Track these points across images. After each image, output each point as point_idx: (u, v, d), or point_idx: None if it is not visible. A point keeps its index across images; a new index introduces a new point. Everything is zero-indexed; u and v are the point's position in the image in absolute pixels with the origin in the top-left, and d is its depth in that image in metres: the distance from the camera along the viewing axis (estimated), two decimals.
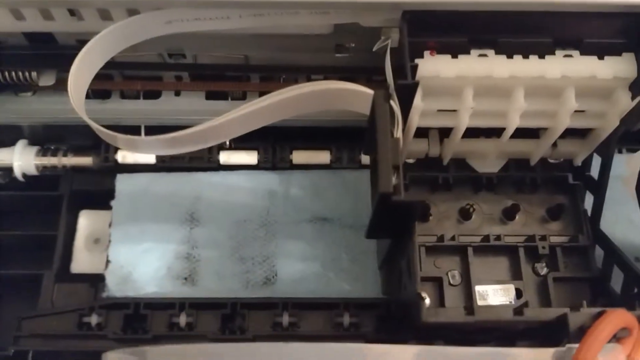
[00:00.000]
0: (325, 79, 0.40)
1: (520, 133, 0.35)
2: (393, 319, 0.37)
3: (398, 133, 0.29)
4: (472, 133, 0.35)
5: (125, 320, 0.37)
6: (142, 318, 0.37)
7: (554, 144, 0.36)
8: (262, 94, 0.40)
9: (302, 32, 0.34)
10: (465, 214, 0.37)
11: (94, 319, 0.37)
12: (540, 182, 0.37)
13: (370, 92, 0.30)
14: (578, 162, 0.37)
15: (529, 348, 0.26)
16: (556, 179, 0.37)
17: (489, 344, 0.28)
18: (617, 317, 0.25)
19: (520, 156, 0.37)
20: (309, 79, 0.40)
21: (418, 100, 0.32)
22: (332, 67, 0.39)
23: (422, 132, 0.36)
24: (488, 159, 0.37)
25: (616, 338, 0.26)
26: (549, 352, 0.25)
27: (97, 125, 0.31)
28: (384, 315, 0.37)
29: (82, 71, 0.31)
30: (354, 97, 0.31)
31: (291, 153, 0.42)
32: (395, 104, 0.30)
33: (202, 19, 0.32)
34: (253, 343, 0.34)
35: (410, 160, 0.38)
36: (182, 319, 0.37)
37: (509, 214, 0.37)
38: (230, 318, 0.38)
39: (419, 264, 0.31)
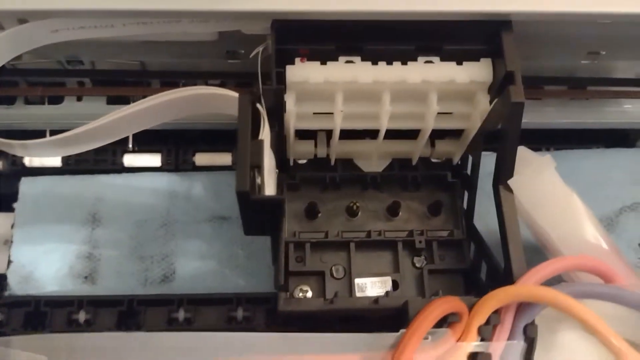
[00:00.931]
0: (222, 84, 0.42)
1: (400, 134, 0.37)
2: None
3: (262, 135, 0.31)
4: (355, 134, 0.38)
5: (26, 317, 0.39)
6: (42, 315, 0.39)
7: (433, 144, 0.39)
8: None
9: (188, 39, 0.36)
10: (351, 212, 0.39)
11: None
12: (421, 181, 0.40)
13: (236, 95, 0.32)
14: (456, 160, 0.39)
15: (367, 333, 0.27)
16: (437, 178, 0.40)
17: None
18: (444, 303, 0.27)
19: (402, 156, 0.39)
20: (206, 84, 0.42)
21: (291, 105, 0.34)
22: (227, 72, 0.41)
23: (310, 134, 0.38)
24: (372, 159, 0.39)
25: (447, 323, 0.28)
26: (386, 336, 0.27)
27: None
28: (273, 308, 0.39)
29: None
30: (223, 101, 0.33)
31: (194, 155, 0.44)
32: (262, 107, 0.32)
33: (87, 27, 0.34)
34: (113, 333, 0.35)
35: (302, 161, 0.40)
36: (81, 316, 0.39)
37: (392, 211, 0.39)
38: (128, 315, 0.39)
39: (284, 257, 0.33)
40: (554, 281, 0.30)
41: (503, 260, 0.32)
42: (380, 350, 0.27)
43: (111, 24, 0.34)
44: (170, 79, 0.43)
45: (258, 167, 0.30)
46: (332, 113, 0.35)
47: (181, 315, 0.39)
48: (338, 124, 0.35)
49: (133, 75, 0.42)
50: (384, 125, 0.35)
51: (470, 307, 0.28)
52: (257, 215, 0.32)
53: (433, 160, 0.40)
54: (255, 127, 0.31)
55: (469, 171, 0.39)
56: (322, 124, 0.36)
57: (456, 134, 0.38)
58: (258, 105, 0.32)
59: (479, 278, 0.37)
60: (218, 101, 0.33)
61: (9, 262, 0.41)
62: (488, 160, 0.37)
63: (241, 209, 0.31)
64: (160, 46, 0.38)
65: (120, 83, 0.43)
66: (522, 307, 0.28)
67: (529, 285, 0.27)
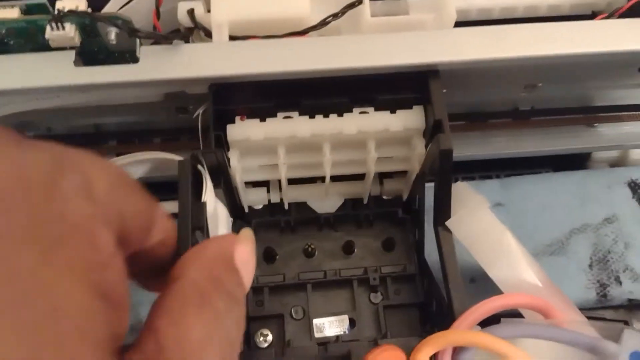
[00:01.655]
0: (176, 139, 0.44)
1: (349, 176, 0.39)
2: None
3: (205, 197, 0.33)
4: (305, 179, 0.39)
5: None
6: None
7: (381, 183, 0.40)
8: (120, 155, 0.44)
9: (135, 102, 0.38)
10: (307, 253, 0.40)
11: None
12: (373, 218, 0.41)
13: (177, 159, 0.33)
14: (404, 197, 0.41)
15: None
16: (388, 214, 0.41)
17: None
18: (384, 352, 0.29)
19: (353, 196, 0.41)
20: (162, 140, 0.44)
21: (235, 162, 0.35)
22: (180, 128, 0.43)
23: (262, 182, 0.40)
24: (324, 200, 0.41)
25: None
26: None
27: None
28: None
29: None
30: (168, 164, 0.34)
31: None
32: (203, 169, 0.33)
33: (33, 99, 0.36)
34: None
35: (258, 206, 0.41)
36: None
37: (346, 249, 0.41)
38: None
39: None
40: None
41: (446, 302, 0.34)
42: None
43: (57, 94, 0.36)
44: (126, 139, 0.44)
45: (200, 228, 0.32)
46: (276, 164, 0.36)
47: None
48: (284, 175, 0.37)
49: (89, 138, 0.44)
50: (327, 172, 0.37)
51: (409, 353, 0.30)
52: None
53: (384, 197, 0.41)
54: (198, 189, 0.33)
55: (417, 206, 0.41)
56: (269, 175, 0.37)
57: (402, 172, 0.40)
58: (199, 166, 0.33)
59: (432, 312, 0.38)
60: (165, 164, 0.35)
61: None
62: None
63: None
64: (112, 109, 0.40)
65: (78, 144, 0.44)
66: (459, 350, 0.29)
67: (461, 331, 0.29)
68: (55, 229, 0.17)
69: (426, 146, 0.35)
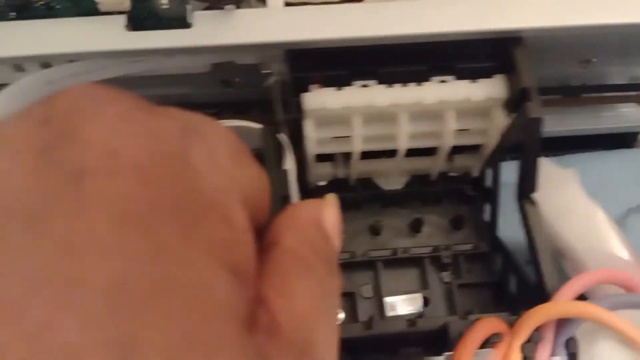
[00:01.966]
0: (219, 112, 0.42)
1: (418, 151, 0.37)
2: None
3: (287, 165, 0.31)
4: (373, 153, 0.38)
5: None
6: None
7: (451, 159, 0.39)
8: None
9: (183, 72, 0.36)
10: (374, 230, 0.39)
11: None
12: (442, 195, 0.40)
13: (259, 126, 0.32)
14: (475, 174, 0.39)
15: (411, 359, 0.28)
16: (456, 191, 0.40)
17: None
18: (488, 325, 0.27)
19: (421, 172, 0.40)
20: (204, 114, 0.42)
21: (311, 131, 0.34)
22: (224, 102, 0.41)
23: (328, 156, 0.38)
24: (391, 177, 0.40)
25: (491, 343, 0.28)
26: None
27: None
28: None
29: None
30: (248, 132, 0.33)
31: None
32: (284, 137, 0.32)
33: (80, 73, 0.34)
34: None
35: (322, 183, 0.40)
36: None
37: (414, 227, 0.39)
38: None
39: None
40: None
41: (534, 273, 0.32)
42: None
43: (104, 66, 0.34)
44: None
45: (286, 197, 0.30)
46: (350, 136, 0.35)
47: None
48: (357, 147, 0.35)
49: None
50: (402, 145, 0.35)
51: (511, 326, 0.28)
52: None
53: (451, 174, 0.40)
54: (278, 157, 0.32)
55: (488, 183, 0.39)
56: (341, 147, 0.36)
57: (474, 148, 0.38)
58: (280, 135, 0.32)
59: (508, 291, 0.37)
60: (242, 133, 0.33)
61: None
62: (508, 171, 0.37)
63: None
64: (156, 79, 0.38)
65: None
66: (562, 323, 0.28)
67: (568, 302, 0.28)
68: (194, 206, 0.16)
69: (506, 117, 0.34)
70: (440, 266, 0.38)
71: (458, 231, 0.39)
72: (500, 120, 0.34)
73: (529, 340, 0.28)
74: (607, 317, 0.26)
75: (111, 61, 0.35)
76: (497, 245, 0.38)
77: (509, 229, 0.39)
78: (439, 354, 0.28)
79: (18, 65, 0.36)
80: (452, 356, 0.27)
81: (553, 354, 0.28)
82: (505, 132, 0.35)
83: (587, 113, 0.44)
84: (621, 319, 0.26)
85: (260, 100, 0.41)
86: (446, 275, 0.38)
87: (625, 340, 0.28)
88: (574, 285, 0.29)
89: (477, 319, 0.29)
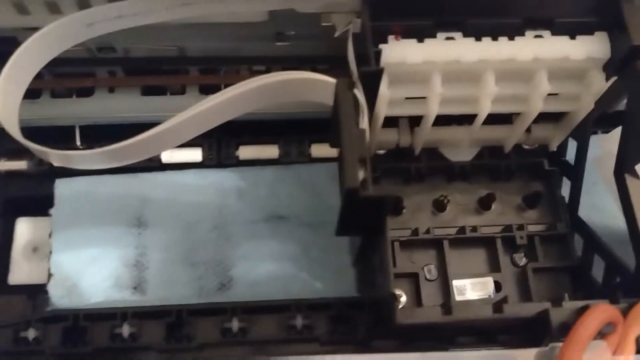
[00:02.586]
0: (267, 69, 0.39)
1: (493, 119, 0.33)
2: (346, 319, 0.36)
3: (364, 124, 0.28)
4: (443, 121, 0.34)
5: (64, 334, 0.35)
6: (82, 330, 0.35)
7: (528, 130, 0.35)
8: (202, 87, 0.39)
9: (236, 20, 0.33)
10: (439, 206, 0.35)
11: (31, 333, 0.35)
12: (515, 170, 0.36)
13: (333, 81, 0.28)
14: (553, 147, 0.36)
15: (508, 349, 0.24)
16: (531, 166, 0.36)
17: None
18: (602, 313, 0.24)
19: (493, 143, 0.36)
20: (250, 70, 0.39)
21: (384, 89, 0.30)
22: (273, 57, 0.38)
23: (391, 122, 0.34)
24: (461, 147, 0.36)
25: (601, 334, 0.24)
26: (533, 352, 0.24)
27: (29, 142, 0.29)
28: (337, 315, 0.36)
29: (9, 86, 0.29)
30: (315, 87, 0.29)
31: (237, 148, 0.40)
32: (359, 93, 0.28)
33: (125, 15, 0.30)
34: None
35: (381, 152, 0.36)
36: (125, 330, 0.35)
37: (484, 204, 0.35)
38: (177, 326, 0.36)
39: (392, 261, 0.29)
40: None
41: (634, 257, 0.29)
42: None
43: (152, 8, 0.30)
44: (211, 66, 0.38)
45: (364, 160, 0.26)
46: (424, 97, 0.31)
47: (235, 325, 0.36)
48: (434, 110, 0.31)
49: (170, 62, 0.38)
50: (484, 109, 0.31)
51: (624, 315, 0.25)
52: (360, 214, 0.28)
53: (525, 147, 0.36)
54: (355, 116, 0.28)
55: (567, 158, 0.36)
56: (415, 109, 0.32)
57: (555, 117, 0.34)
58: (356, 91, 0.28)
59: (591, 276, 0.33)
60: (310, 87, 0.29)
61: (50, 274, 0.37)
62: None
63: (345, 207, 0.27)
64: (202, 29, 0.35)
65: (156, 71, 0.38)
66: None
67: None
68: None
69: (607, 80, 0.30)
70: (513, 247, 0.34)
71: (532, 209, 0.36)
72: (599, 84, 0.30)
73: None
74: None
75: (160, 2, 0.31)
76: (578, 226, 0.34)
77: (590, 208, 0.36)
78: (538, 344, 0.24)
79: (53, 3, 0.32)
80: (564, 348, 0.23)
81: None
82: (602, 97, 0.31)
83: None
84: None
85: (312, 57, 0.38)
86: (519, 258, 0.34)
87: None
88: None
89: (585, 306, 0.25)
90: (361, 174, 0.27)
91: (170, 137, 0.31)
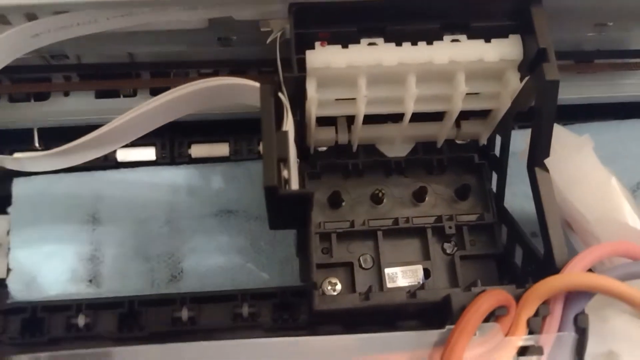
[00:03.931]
0: (215, 72, 0.40)
1: (423, 117, 0.35)
2: (289, 306, 0.38)
3: (287, 126, 0.30)
4: (376, 119, 0.36)
5: (22, 325, 0.37)
6: (40, 321, 0.37)
7: (458, 126, 0.37)
8: (153, 90, 0.41)
9: (177, 28, 0.34)
10: (376, 199, 0.38)
11: None
12: (447, 164, 0.38)
13: (257, 85, 0.30)
14: (483, 141, 0.38)
15: (412, 331, 0.26)
16: (463, 160, 0.38)
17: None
18: (492, 297, 0.26)
19: (426, 139, 0.38)
20: (199, 73, 0.40)
21: (312, 92, 0.32)
22: (219, 60, 0.39)
23: (330, 120, 0.37)
24: (395, 143, 0.38)
25: (495, 317, 0.27)
26: (432, 334, 0.26)
27: None
28: (280, 303, 0.38)
29: None
30: (244, 91, 0.31)
31: (189, 147, 0.42)
32: (284, 97, 0.30)
33: (69, 26, 0.32)
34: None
35: (323, 149, 0.38)
36: (80, 320, 0.37)
37: (418, 197, 0.38)
38: (129, 316, 0.38)
39: (315, 252, 0.31)
40: None
41: (542, 244, 0.31)
42: (427, 347, 0.26)
43: (94, 19, 0.32)
44: (161, 69, 0.40)
45: (284, 160, 0.29)
46: (354, 99, 0.33)
47: (185, 314, 0.37)
48: (361, 110, 0.33)
49: (121, 68, 0.40)
50: (409, 109, 0.33)
51: (517, 299, 0.27)
52: (285, 210, 0.30)
53: (458, 142, 0.39)
54: (277, 118, 0.30)
55: (496, 152, 0.38)
56: (345, 110, 0.34)
57: (483, 114, 0.36)
58: (280, 94, 0.30)
59: (513, 263, 0.36)
60: (240, 91, 0.31)
61: (8, 269, 0.39)
62: (515, 140, 0.35)
63: (268, 204, 0.29)
64: (148, 36, 0.36)
65: (109, 76, 0.40)
66: (571, 296, 0.26)
67: (579, 273, 0.26)
68: None
69: (521, 80, 0.32)
70: (443, 237, 0.37)
71: (463, 201, 0.38)
72: (514, 84, 0.32)
73: (536, 314, 0.26)
74: (621, 288, 0.25)
75: (101, 13, 0.33)
76: (504, 216, 0.36)
77: (516, 200, 0.38)
78: (441, 327, 0.27)
79: (2, 16, 0.34)
80: (454, 329, 0.25)
81: (561, 329, 0.26)
82: (518, 95, 0.33)
83: (601, 80, 0.42)
84: (636, 290, 0.25)
85: (259, 60, 0.40)
86: (449, 247, 0.37)
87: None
88: (587, 257, 0.27)
89: (481, 292, 0.27)
90: (284, 173, 0.29)
91: (114, 137, 0.33)
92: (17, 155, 0.32)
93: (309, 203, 0.30)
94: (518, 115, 0.34)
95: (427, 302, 0.29)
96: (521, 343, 0.26)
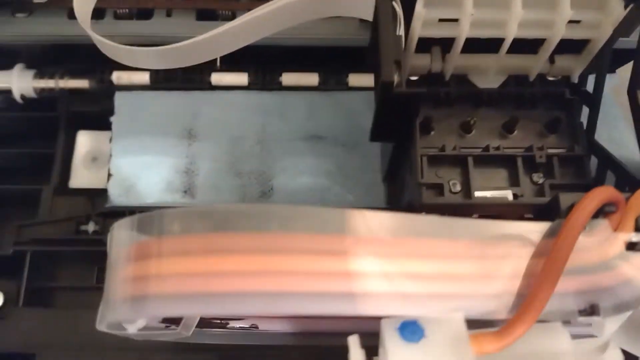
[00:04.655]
0: None
1: (519, 47, 0.36)
2: None
3: (400, 31, 0.31)
4: (473, 47, 0.37)
5: None
6: None
7: (552, 60, 0.38)
8: None
9: None
10: (466, 128, 0.38)
11: (90, 227, 0.39)
12: (538, 98, 0.39)
13: None
14: (575, 78, 0.38)
15: (524, 222, 0.27)
16: (554, 94, 0.39)
17: None
18: (603, 192, 0.27)
19: (519, 72, 0.39)
20: None
21: (420, 7, 0.33)
22: None
23: (424, 48, 0.37)
24: (488, 74, 0.39)
25: (604, 213, 0.27)
26: (543, 225, 0.27)
27: (99, 37, 0.33)
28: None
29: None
30: (356, 1, 0.32)
31: (281, 75, 0.44)
32: (397, 5, 0.31)
33: None
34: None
35: (414, 78, 0.39)
36: None
37: (508, 128, 0.38)
38: None
39: (419, 162, 0.32)
40: None
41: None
42: (538, 238, 0.26)
43: None
44: None
45: (398, 62, 0.30)
46: (457, 20, 0.34)
47: None
48: (465, 31, 0.34)
49: None
50: (511, 33, 0.34)
51: (626, 200, 0.27)
52: (392, 114, 0.31)
53: (549, 78, 0.39)
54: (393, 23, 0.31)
55: (587, 88, 0.38)
56: (447, 31, 0.35)
57: (577, 48, 0.37)
58: (394, 3, 0.31)
59: None
60: (351, 1, 0.33)
61: (109, 175, 0.41)
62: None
63: (379, 104, 0.30)
64: None
65: None
66: None
67: None
68: None
69: (625, 7, 0.33)
70: (533, 167, 0.37)
71: (552, 135, 0.38)
72: (617, 11, 0.33)
73: None
74: None
75: None
76: (595, 148, 0.37)
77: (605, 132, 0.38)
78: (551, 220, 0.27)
79: None
80: (565, 221, 0.26)
81: None
82: (620, 25, 0.33)
83: None
84: None
85: None
86: (538, 177, 0.37)
87: None
88: None
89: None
90: (396, 77, 0.30)
91: (219, 44, 0.34)
92: (131, 47, 0.34)
93: (418, 107, 0.31)
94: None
95: (532, 204, 0.30)
96: (629, 238, 0.27)
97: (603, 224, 0.27)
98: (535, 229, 0.27)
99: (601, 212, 0.27)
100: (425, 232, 0.26)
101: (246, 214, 0.26)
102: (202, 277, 0.25)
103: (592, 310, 0.26)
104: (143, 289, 0.25)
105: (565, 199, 0.28)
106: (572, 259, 0.25)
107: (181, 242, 0.26)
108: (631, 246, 0.27)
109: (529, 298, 0.25)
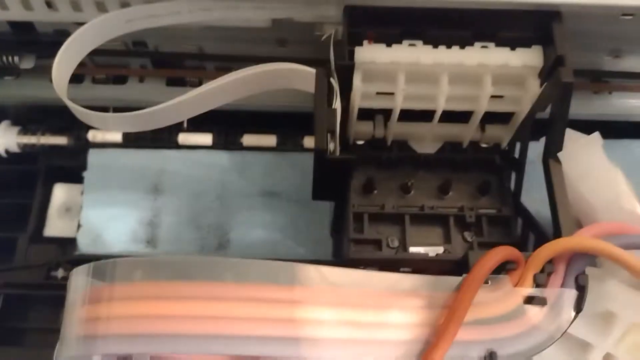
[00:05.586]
0: None
1: (451, 117, 0.40)
2: None
3: (335, 104, 0.35)
4: (410, 117, 0.41)
5: None
6: None
7: (483, 129, 0.42)
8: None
9: (245, 25, 0.40)
10: (405, 189, 0.42)
11: (60, 272, 0.43)
12: (471, 163, 0.43)
13: (313, 70, 0.35)
14: (504, 145, 0.42)
15: (431, 275, 0.30)
16: (485, 160, 0.43)
17: None
18: (502, 251, 0.30)
19: (453, 139, 0.43)
20: None
21: (358, 82, 0.37)
22: (276, 58, 0.45)
23: (368, 116, 0.42)
24: (425, 141, 0.43)
25: (505, 270, 0.31)
26: (449, 279, 0.30)
27: (74, 104, 0.37)
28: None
29: (62, 64, 0.38)
30: (299, 76, 0.36)
31: (242, 136, 0.48)
32: (334, 81, 0.35)
33: (157, 15, 0.38)
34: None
35: (360, 142, 0.43)
36: None
37: (443, 189, 0.42)
38: None
39: (351, 219, 0.36)
40: None
41: (553, 229, 0.35)
42: (443, 291, 0.30)
43: (178, 11, 0.38)
44: (224, 63, 0.47)
45: (332, 132, 0.34)
46: (393, 93, 0.38)
47: None
48: (399, 104, 0.38)
49: (191, 58, 0.47)
50: (440, 106, 0.38)
51: (526, 259, 0.31)
52: (328, 177, 0.35)
53: (482, 145, 0.43)
54: (328, 99, 0.35)
55: (516, 155, 0.42)
56: (384, 103, 0.39)
57: (505, 119, 0.41)
58: (332, 79, 0.35)
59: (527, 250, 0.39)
60: (294, 77, 0.37)
61: (79, 225, 0.45)
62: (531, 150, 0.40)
63: (315, 169, 0.34)
64: (217, 31, 0.42)
65: (179, 67, 0.47)
66: (574, 258, 0.30)
67: (583, 237, 0.30)
68: None
69: (540, 86, 0.37)
70: (464, 226, 0.40)
71: (483, 197, 0.42)
72: (534, 89, 0.37)
73: (542, 271, 0.30)
74: (620, 252, 0.29)
75: (186, 6, 0.39)
76: (520, 211, 0.40)
77: (533, 205, 0.42)
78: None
79: (100, 3, 0.40)
80: (467, 275, 0.29)
81: (564, 286, 0.30)
82: (537, 100, 0.37)
83: (615, 99, 0.46)
84: (634, 256, 0.29)
85: (310, 59, 0.45)
86: (469, 235, 0.40)
87: (637, 280, 0.30)
88: (589, 231, 0.31)
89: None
90: (331, 145, 0.34)
91: (186, 108, 0.38)
92: (103, 113, 0.38)
93: (350, 170, 0.35)
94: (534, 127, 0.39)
95: (450, 260, 0.33)
96: (527, 293, 0.30)
97: (504, 279, 0.30)
98: (446, 282, 0.30)
99: (503, 269, 0.31)
100: (351, 283, 0.29)
101: (194, 264, 0.29)
102: (149, 320, 0.28)
103: (491, 357, 0.29)
104: (93, 328, 0.28)
105: (473, 256, 0.32)
106: (473, 311, 0.29)
107: (132, 288, 0.29)
108: (529, 300, 0.30)
109: (432, 345, 0.28)
